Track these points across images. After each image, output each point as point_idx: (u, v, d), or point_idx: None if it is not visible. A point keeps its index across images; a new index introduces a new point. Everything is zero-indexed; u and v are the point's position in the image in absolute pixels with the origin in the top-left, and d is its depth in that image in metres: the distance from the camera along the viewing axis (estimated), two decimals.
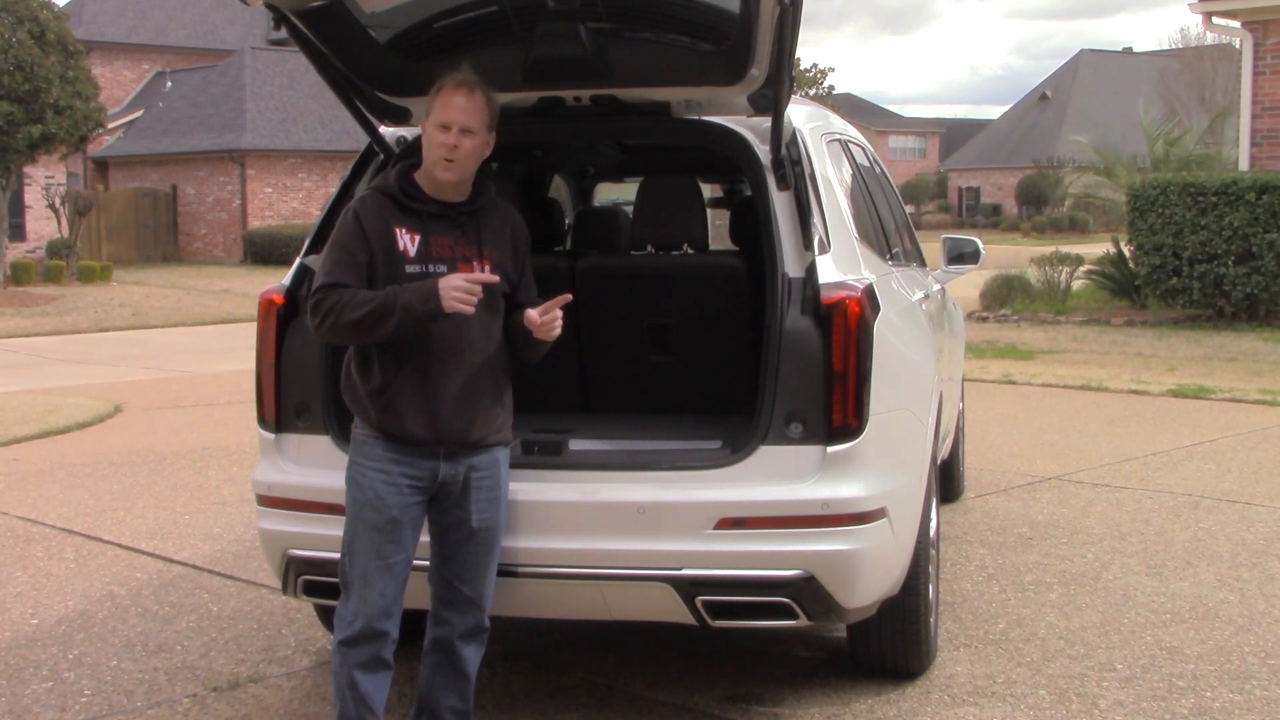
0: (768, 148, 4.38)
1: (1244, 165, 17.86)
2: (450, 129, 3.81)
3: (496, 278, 3.89)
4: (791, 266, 4.18)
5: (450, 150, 3.82)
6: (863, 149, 5.88)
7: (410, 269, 3.84)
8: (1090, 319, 17.99)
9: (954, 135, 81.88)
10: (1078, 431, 10.16)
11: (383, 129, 4.64)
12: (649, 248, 5.09)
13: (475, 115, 3.83)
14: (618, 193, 9.57)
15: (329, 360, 4.24)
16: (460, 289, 3.71)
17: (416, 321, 3.75)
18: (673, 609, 4.09)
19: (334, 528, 4.04)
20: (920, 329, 5.25)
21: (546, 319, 3.91)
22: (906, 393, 4.55)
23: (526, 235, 4.13)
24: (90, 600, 5.97)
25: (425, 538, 4.02)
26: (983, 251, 7.27)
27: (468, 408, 3.89)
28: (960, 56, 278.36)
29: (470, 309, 3.75)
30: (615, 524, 4.06)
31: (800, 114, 4.63)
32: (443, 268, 3.85)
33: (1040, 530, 7.02)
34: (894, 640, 4.64)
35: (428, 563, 4.03)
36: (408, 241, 3.86)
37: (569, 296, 3.97)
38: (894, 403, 4.28)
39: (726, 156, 4.59)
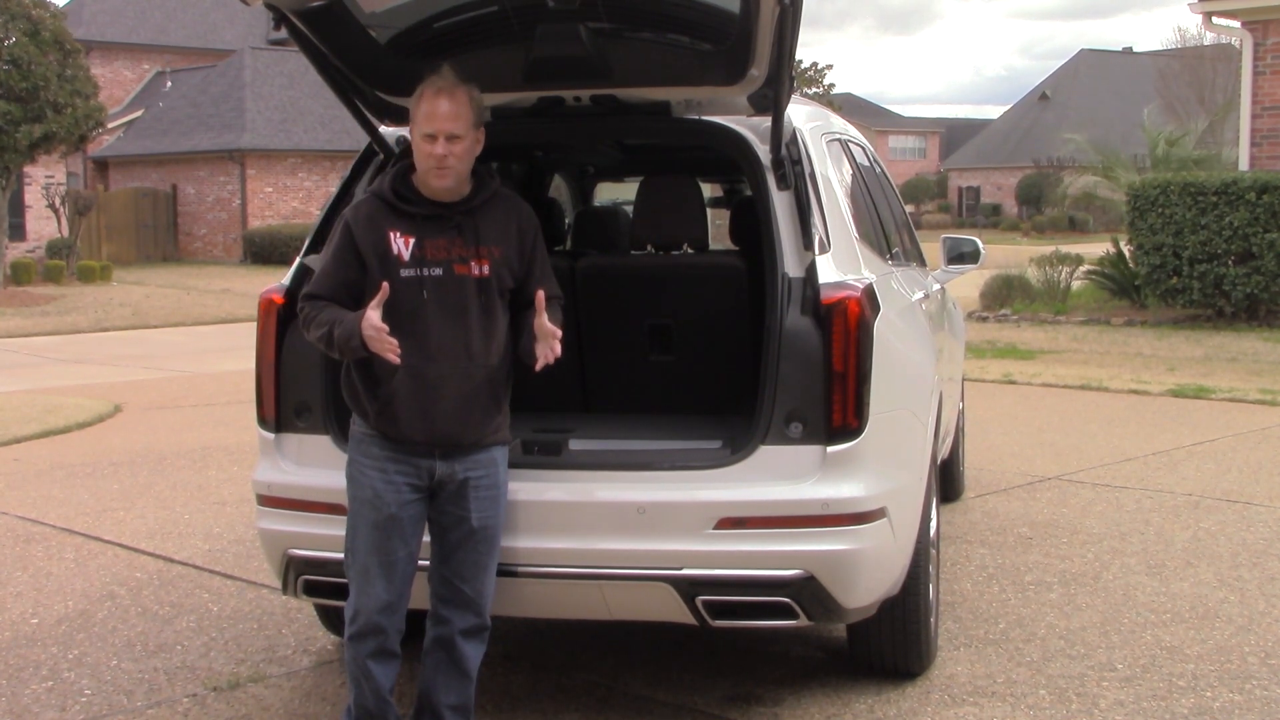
0: (768, 147, 4.38)
1: (1244, 165, 17.85)
2: (437, 139, 3.80)
3: (389, 342, 3.70)
4: (791, 266, 4.18)
5: (440, 160, 3.81)
6: (863, 149, 5.88)
7: (405, 273, 3.84)
8: (1090, 319, 17.99)
9: (954, 135, 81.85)
10: (1078, 431, 10.15)
11: (383, 129, 4.64)
12: (649, 247, 5.09)
13: (460, 120, 3.80)
14: (618, 193, 9.56)
15: (329, 360, 4.24)
16: (375, 328, 3.67)
17: (350, 353, 3.79)
18: (673, 609, 4.09)
19: (334, 528, 4.05)
20: (920, 329, 5.25)
21: (543, 345, 3.86)
22: (906, 393, 4.55)
23: (536, 226, 4.10)
24: (90, 600, 5.96)
25: (426, 536, 4.03)
26: (982, 251, 7.28)
27: (464, 410, 3.88)
28: (964, 57, 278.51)
29: (392, 357, 3.68)
30: (615, 524, 4.06)
31: (800, 114, 4.63)
32: (438, 270, 3.85)
33: (1040, 530, 7.02)
34: (894, 640, 4.63)
35: (428, 562, 4.04)
36: (401, 245, 3.85)
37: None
38: (894, 403, 4.28)
39: (726, 156, 4.59)
